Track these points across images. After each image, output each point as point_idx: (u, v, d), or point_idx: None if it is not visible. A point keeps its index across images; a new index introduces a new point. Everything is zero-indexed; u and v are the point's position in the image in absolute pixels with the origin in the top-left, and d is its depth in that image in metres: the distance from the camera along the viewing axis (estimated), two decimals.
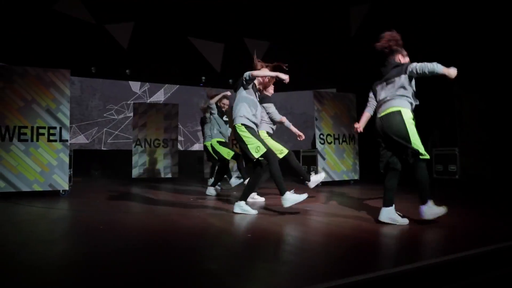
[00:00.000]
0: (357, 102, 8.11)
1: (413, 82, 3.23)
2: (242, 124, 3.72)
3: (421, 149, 3.05)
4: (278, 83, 3.91)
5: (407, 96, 3.16)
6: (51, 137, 5.52)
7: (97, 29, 9.19)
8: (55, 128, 5.55)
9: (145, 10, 9.26)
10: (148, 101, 10.83)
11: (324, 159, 7.35)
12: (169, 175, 8.63)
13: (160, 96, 11.60)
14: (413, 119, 3.16)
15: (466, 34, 7.79)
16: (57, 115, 5.56)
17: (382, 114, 3.23)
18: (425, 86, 8.23)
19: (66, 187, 5.56)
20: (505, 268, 2.21)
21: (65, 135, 5.61)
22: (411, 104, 3.19)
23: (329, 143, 7.47)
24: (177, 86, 12.03)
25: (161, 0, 9.31)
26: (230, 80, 11.94)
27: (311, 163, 7.73)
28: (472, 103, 7.76)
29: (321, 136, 7.39)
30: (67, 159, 5.59)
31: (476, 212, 3.94)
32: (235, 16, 9.87)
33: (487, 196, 5.49)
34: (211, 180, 5.89)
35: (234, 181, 5.91)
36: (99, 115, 11.27)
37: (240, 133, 3.71)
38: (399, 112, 3.11)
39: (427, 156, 3.07)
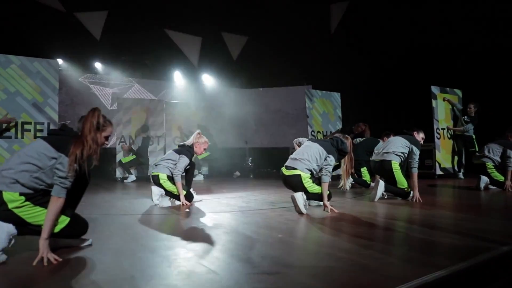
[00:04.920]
0: (342, 101, 8.29)
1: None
2: None
3: None
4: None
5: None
6: (38, 134, 4.99)
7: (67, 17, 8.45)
8: (42, 123, 5.03)
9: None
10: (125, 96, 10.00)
11: None
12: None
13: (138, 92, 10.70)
14: None
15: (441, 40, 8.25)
16: (45, 109, 5.04)
17: None
18: (405, 87, 8.62)
19: None
20: None
21: None
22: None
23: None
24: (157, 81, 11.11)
25: None
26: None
27: None
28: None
29: (312, 133, 7.44)
30: None
31: None
32: (213, 9, 9.59)
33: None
34: None
35: None
36: None
37: None
38: None
39: None
